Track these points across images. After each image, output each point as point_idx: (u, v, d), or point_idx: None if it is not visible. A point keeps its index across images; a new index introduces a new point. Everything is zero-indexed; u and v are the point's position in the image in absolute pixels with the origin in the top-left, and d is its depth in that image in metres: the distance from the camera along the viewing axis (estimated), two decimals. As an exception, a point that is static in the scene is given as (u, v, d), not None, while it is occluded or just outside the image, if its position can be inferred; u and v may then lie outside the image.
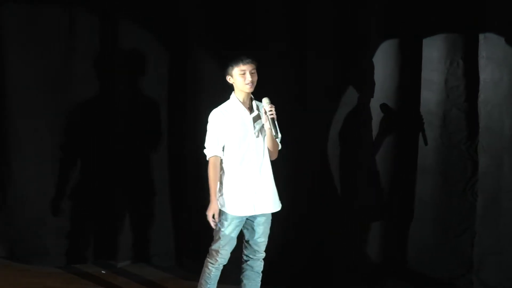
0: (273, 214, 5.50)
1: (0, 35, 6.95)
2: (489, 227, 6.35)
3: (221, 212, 5.33)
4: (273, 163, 5.45)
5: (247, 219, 5.39)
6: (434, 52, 6.37)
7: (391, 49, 6.40)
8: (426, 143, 6.39)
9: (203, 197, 6.20)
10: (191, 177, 6.80)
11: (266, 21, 6.52)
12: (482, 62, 6.28)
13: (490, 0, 6.18)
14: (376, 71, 6.41)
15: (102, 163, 7.05)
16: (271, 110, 5.20)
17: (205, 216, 5.39)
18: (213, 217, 5.30)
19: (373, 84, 6.42)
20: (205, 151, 5.37)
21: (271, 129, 5.21)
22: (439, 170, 6.45)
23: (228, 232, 5.32)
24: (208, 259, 5.41)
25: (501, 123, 6.26)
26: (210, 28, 6.64)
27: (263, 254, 5.47)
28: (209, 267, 5.39)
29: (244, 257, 5.49)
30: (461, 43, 6.32)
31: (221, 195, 5.34)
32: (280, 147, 5.41)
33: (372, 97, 6.43)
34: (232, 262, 5.51)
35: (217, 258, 5.36)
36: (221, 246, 5.34)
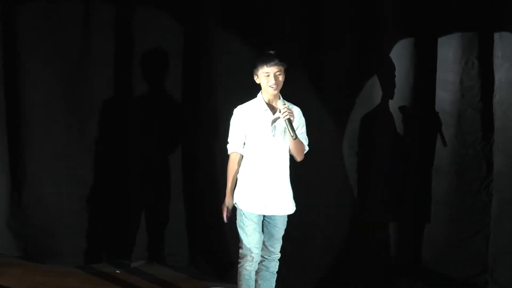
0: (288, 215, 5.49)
1: (15, 31, 6.94)
2: (504, 227, 6.34)
3: (238, 210, 5.36)
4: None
5: (263, 220, 5.39)
6: (449, 52, 6.36)
7: (406, 48, 6.38)
8: (445, 144, 6.37)
9: (217, 198, 6.21)
10: (206, 177, 6.79)
11: (283, 19, 6.52)
12: (497, 61, 6.27)
13: (505, -1, 6.18)
14: (391, 69, 6.39)
15: (118, 162, 7.04)
16: (285, 111, 5.20)
17: (219, 216, 5.39)
18: (226, 214, 5.34)
19: (390, 84, 6.39)
20: (227, 146, 5.42)
21: (289, 131, 5.21)
22: (454, 170, 6.44)
23: (252, 228, 5.32)
24: (242, 262, 5.36)
25: (516, 123, 6.25)
26: (228, 23, 6.63)
27: (278, 255, 5.46)
28: (247, 268, 5.35)
29: (260, 258, 5.47)
30: (476, 42, 6.31)
31: (237, 191, 5.37)
32: (307, 149, 5.41)
33: (390, 98, 6.40)
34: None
35: (252, 255, 5.33)
36: (251, 243, 5.33)
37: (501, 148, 6.32)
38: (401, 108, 6.42)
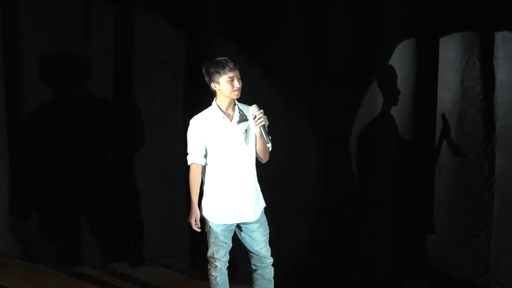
0: (290, 215, 5.46)
1: (15, 28, 6.95)
2: (505, 228, 6.32)
3: (205, 219, 5.32)
4: (293, 162, 5.41)
5: (239, 227, 5.34)
6: (450, 52, 6.34)
7: (408, 49, 6.36)
8: (450, 145, 6.36)
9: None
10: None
11: (284, 23, 6.51)
12: (499, 62, 6.25)
13: (507, -1, 6.17)
14: (393, 70, 6.38)
15: (118, 163, 7.04)
16: (260, 117, 5.09)
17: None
18: (196, 224, 5.30)
19: (392, 85, 6.38)
20: (187, 157, 5.36)
21: (263, 137, 5.12)
22: (455, 170, 6.42)
23: (218, 239, 5.30)
24: (209, 267, 5.40)
25: (518, 124, 6.23)
26: (227, 24, 6.63)
27: (271, 260, 5.40)
28: (213, 274, 5.38)
29: (253, 266, 5.43)
30: (477, 42, 6.29)
31: (203, 202, 5.32)
32: (270, 148, 5.29)
33: (392, 98, 6.40)
34: (244, 262, 5.49)
35: (216, 264, 5.35)
36: (215, 252, 5.33)
37: (503, 149, 6.29)
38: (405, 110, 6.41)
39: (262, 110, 5.12)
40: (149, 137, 6.99)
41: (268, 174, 5.66)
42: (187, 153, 5.34)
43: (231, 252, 6.52)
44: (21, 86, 7.02)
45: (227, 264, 5.39)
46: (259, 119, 5.09)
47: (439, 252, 6.49)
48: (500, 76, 6.25)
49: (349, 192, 6.59)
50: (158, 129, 6.97)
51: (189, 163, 5.33)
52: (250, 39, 6.51)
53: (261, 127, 5.10)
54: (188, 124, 6.85)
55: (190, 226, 5.37)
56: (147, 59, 6.85)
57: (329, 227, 6.58)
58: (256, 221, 5.31)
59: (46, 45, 6.91)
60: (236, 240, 5.84)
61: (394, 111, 6.44)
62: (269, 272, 5.41)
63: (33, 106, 7.01)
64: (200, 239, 6.90)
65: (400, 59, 6.39)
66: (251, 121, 5.19)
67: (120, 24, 6.91)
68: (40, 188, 7.08)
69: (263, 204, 5.38)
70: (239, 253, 5.43)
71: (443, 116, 6.34)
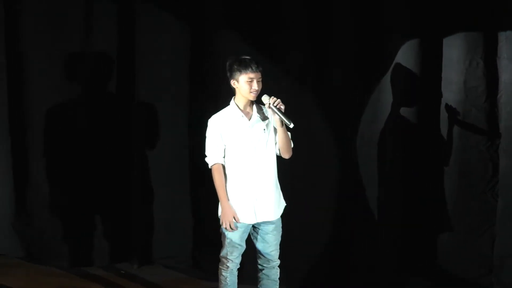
0: (294, 214, 5.45)
1: (18, 30, 6.95)
2: (509, 228, 6.30)
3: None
4: (295, 162, 5.40)
5: (254, 227, 5.33)
6: (453, 52, 6.33)
7: (412, 49, 6.35)
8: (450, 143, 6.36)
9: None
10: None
11: (288, 22, 6.51)
12: (502, 62, 6.24)
13: (510, -1, 6.16)
14: (397, 71, 6.37)
15: (121, 163, 7.04)
16: (275, 101, 5.08)
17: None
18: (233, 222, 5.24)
19: (397, 86, 6.38)
20: (206, 159, 5.31)
21: (284, 120, 5.08)
22: (458, 170, 6.41)
23: (234, 239, 5.27)
24: (220, 267, 5.36)
25: (522, 124, 6.22)
26: (231, 24, 6.63)
27: (278, 262, 5.40)
28: (223, 274, 5.34)
29: (259, 266, 5.42)
30: (481, 42, 6.27)
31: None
32: (292, 144, 5.32)
33: (397, 99, 6.38)
34: (250, 263, 5.48)
35: (228, 265, 5.31)
36: (229, 253, 5.30)
37: (506, 149, 6.28)
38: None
39: (273, 96, 5.11)
40: (152, 138, 6.98)
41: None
42: (205, 155, 5.30)
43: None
44: (24, 86, 7.02)
45: (238, 266, 5.36)
46: (274, 103, 5.08)
47: (443, 253, 6.48)
48: (504, 76, 6.25)
49: (351, 192, 6.58)
50: (161, 130, 6.96)
51: (211, 165, 5.27)
52: (253, 38, 6.50)
53: (277, 111, 5.07)
54: (190, 125, 6.92)
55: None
56: (150, 59, 6.85)
57: (332, 227, 6.58)
58: (273, 223, 5.30)
59: (48, 45, 6.91)
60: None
61: (398, 111, 6.42)
62: (275, 273, 5.40)
63: (36, 107, 7.01)
64: (203, 239, 6.96)
65: (404, 59, 6.37)
66: (268, 112, 5.19)
67: (122, 24, 6.92)
68: (43, 189, 7.07)
69: (284, 204, 5.39)
70: (244, 253, 5.41)
71: (447, 105, 6.32)
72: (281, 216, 5.38)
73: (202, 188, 6.90)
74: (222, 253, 5.34)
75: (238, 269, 5.40)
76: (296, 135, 5.36)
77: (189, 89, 6.92)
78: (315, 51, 6.50)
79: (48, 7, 6.88)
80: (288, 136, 5.25)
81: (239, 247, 5.30)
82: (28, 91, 7.02)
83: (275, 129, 5.26)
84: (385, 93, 6.46)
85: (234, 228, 5.23)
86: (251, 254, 5.44)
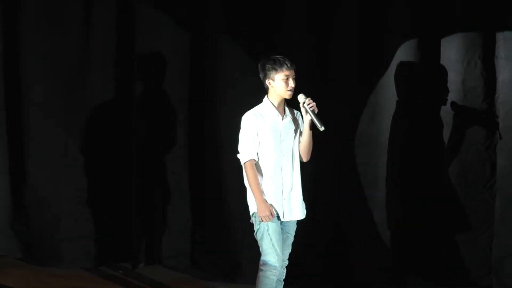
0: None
1: (17, 31, 6.95)
2: (508, 228, 6.32)
3: (257, 219, 5.21)
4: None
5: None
6: (452, 52, 6.35)
7: (410, 49, 6.37)
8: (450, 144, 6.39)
9: (221, 198, 6.23)
10: (210, 178, 6.80)
11: (289, 22, 6.54)
12: (500, 62, 6.26)
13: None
14: (396, 71, 6.39)
15: (119, 164, 7.04)
16: (310, 103, 5.13)
17: (222, 218, 5.36)
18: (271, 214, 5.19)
19: (396, 86, 6.40)
20: (239, 155, 5.28)
21: (315, 122, 5.13)
22: (457, 170, 6.42)
23: (276, 231, 5.19)
24: (265, 269, 5.20)
25: (520, 124, 6.24)
26: (232, 23, 6.65)
27: (286, 262, 5.40)
28: (270, 277, 5.19)
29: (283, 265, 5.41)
30: (479, 43, 6.30)
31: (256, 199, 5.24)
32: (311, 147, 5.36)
33: (396, 99, 6.40)
34: (250, 263, 5.48)
35: (276, 264, 5.18)
36: (275, 248, 5.19)
37: (504, 149, 6.30)
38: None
39: (309, 97, 5.16)
40: (151, 138, 6.98)
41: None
42: (238, 151, 5.28)
43: (233, 252, 6.57)
44: (22, 87, 7.01)
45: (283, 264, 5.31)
46: (308, 104, 5.13)
47: (442, 253, 6.48)
48: (502, 76, 6.27)
49: (350, 192, 6.59)
50: (160, 130, 6.97)
51: (245, 161, 5.23)
52: (254, 39, 6.52)
53: (311, 113, 5.12)
54: (190, 125, 6.92)
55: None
56: (149, 59, 6.85)
57: (331, 227, 6.60)
58: (294, 223, 5.34)
59: (47, 46, 6.90)
60: (240, 240, 5.86)
61: (396, 111, 6.44)
62: (282, 273, 5.39)
63: (34, 107, 7.01)
64: (203, 239, 6.97)
65: (403, 59, 6.39)
66: (302, 112, 5.22)
67: (122, 24, 6.93)
68: (41, 190, 7.06)
69: (305, 210, 5.43)
70: (244, 253, 5.40)
71: (453, 103, 6.35)
72: None
73: (202, 188, 6.92)
74: (267, 252, 5.17)
75: (237, 269, 5.39)
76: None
77: (188, 89, 6.92)
78: (315, 52, 6.52)
79: (47, 8, 6.88)
80: (311, 139, 5.29)
81: (280, 241, 5.21)
82: (26, 92, 7.01)
83: (301, 132, 5.31)
84: (384, 93, 6.48)
85: (271, 218, 5.15)
86: (251, 254, 5.43)
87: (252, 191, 5.21)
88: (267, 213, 5.15)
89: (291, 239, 5.37)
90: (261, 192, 5.19)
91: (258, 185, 5.20)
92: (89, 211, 7.05)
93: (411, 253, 6.53)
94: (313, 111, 5.13)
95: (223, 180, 6.63)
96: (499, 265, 6.34)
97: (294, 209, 5.31)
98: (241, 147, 5.27)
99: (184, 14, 6.81)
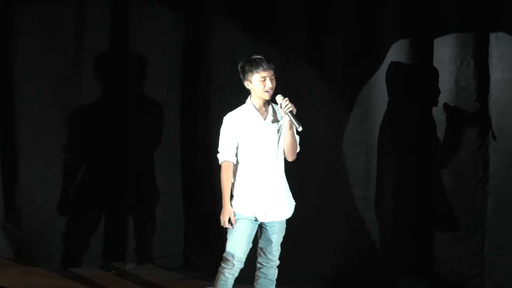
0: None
1: (10, 30, 6.93)
2: (500, 228, 6.32)
3: (234, 215, 5.25)
4: (286, 163, 5.40)
5: (261, 227, 5.32)
6: (445, 52, 6.36)
7: (403, 49, 6.38)
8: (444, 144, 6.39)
9: (212, 197, 6.20)
10: (202, 177, 6.79)
11: (285, 18, 6.55)
12: (493, 61, 6.27)
13: (501, -1, 6.19)
14: (388, 70, 6.39)
15: (111, 164, 7.02)
16: (287, 104, 5.09)
17: (215, 217, 5.36)
18: (229, 221, 5.22)
19: (387, 85, 6.40)
20: (218, 155, 5.31)
21: (293, 123, 5.10)
22: (450, 170, 6.43)
23: (243, 234, 5.23)
24: (224, 266, 5.26)
25: (513, 123, 6.25)
26: (229, 23, 6.65)
27: (277, 262, 5.39)
28: (226, 274, 5.25)
29: (258, 265, 5.40)
30: (472, 42, 6.30)
31: (233, 198, 5.27)
32: (299, 149, 5.34)
33: (388, 98, 6.40)
34: (247, 261, 5.47)
35: (234, 262, 5.23)
36: (237, 249, 5.23)
37: (497, 148, 6.30)
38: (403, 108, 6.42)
39: (287, 98, 5.12)
40: (145, 137, 6.97)
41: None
42: (217, 151, 5.29)
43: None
44: (14, 87, 6.99)
45: (242, 266, 5.30)
46: (285, 106, 5.08)
47: (434, 252, 6.49)
48: (495, 75, 6.27)
49: (342, 192, 6.59)
50: (153, 129, 6.96)
51: (221, 161, 5.27)
52: (250, 40, 6.53)
53: (289, 113, 5.08)
54: (183, 125, 6.92)
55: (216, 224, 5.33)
56: (142, 58, 6.83)
57: (322, 226, 6.60)
58: (280, 223, 5.31)
59: (40, 44, 6.89)
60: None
61: (389, 110, 6.44)
62: (273, 273, 5.39)
63: (26, 106, 6.98)
64: (195, 239, 6.96)
65: (395, 59, 6.39)
66: (279, 113, 5.20)
67: (115, 22, 6.91)
68: (33, 189, 7.04)
69: (294, 203, 5.40)
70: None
71: (445, 104, 6.36)
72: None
73: (195, 188, 6.91)
74: (229, 250, 5.25)
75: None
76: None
77: (181, 88, 6.92)
78: (307, 50, 6.52)
79: (40, 7, 6.85)
80: (295, 139, 5.27)
81: (247, 243, 5.25)
82: (18, 91, 6.98)
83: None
84: (376, 93, 6.48)
85: (229, 226, 5.22)
86: (249, 254, 5.42)
87: (222, 191, 5.24)
88: (226, 218, 5.21)
89: (277, 239, 5.33)
90: (229, 195, 5.22)
91: (229, 187, 5.24)
92: (81, 211, 7.02)
93: (403, 253, 6.54)
94: (290, 112, 5.09)
95: (216, 179, 6.57)
96: (492, 264, 6.35)
97: (278, 209, 5.28)
98: (219, 147, 5.29)
99: (177, 12, 6.80)
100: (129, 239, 7.03)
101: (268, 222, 5.28)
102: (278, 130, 5.26)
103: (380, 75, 6.45)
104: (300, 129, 5.11)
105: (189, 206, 6.99)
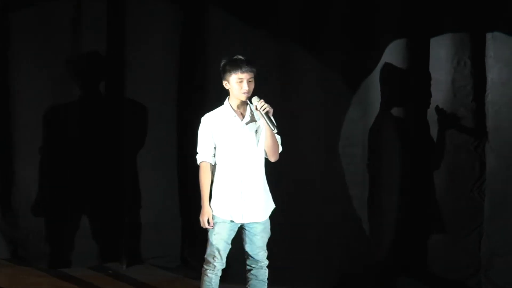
0: (281, 216, 5.44)
1: (7, 30, 6.93)
2: (497, 228, 6.32)
3: (213, 217, 5.26)
4: (280, 161, 5.40)
5: (242, 228, 5.31)
6: (441, 52, 6.36)
7: (399, 48, 6.38)
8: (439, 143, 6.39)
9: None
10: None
11: (283, 19, 6.56)
12: (490, 61, 6.26)
13: (497, -1, 6.20)
14: (385, 71, 6.39)
15: (109, 164, 7.02)
16: (262, 105, 5.06)
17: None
18: (208, 222, 5.24)
19: (384, 85, 6.40)
20: (196, 156, 5.31)
21: (268, 124, 5.09)
22: (446, 170, 6.43)
23: (221, 237, 5.24)
24: (205, 267, 5.30)
25: (509, 123, 6.23)
26: (226, 23, 6.67)
27: (266, 262, 5.38)
28: (208, 275, 5.29)
29: (248, 267, 5.40)
30: (468, 42, 6.31)
31: (211, 199, 5.27)
32: (281, 149, 5.31)
33: (384, 98, 6.40)
34: (239, 262, 5.48)
35: (215, 264, 5.27)
36: (216, 251, 5.25)
37: (494, 148, 6.30)
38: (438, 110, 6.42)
39: (262, 99, 5.10)
40: (141, 137, 6.97)
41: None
42: (197, 152, 5.30)
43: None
44: (11, 88, 7.00)
45: (224, 266, 5.32)
46: (261, 107, 5.07)
47: (431, 252, 6.50)
48: (491, 75, 6.27)
49: (337, 192, 6.59)
50: (150, 129, 6.95)
51: (198, 162, 5.28)
52: (246, 41, 6.53)
53: (264, 115, 5.07)
54: (178, 125, 6.92)
55: (199, 224, 5.32)
56: (140, 56, 6.83)
57: (317, 227, 6.59)
58: (262, 223, 5.29)
59: (36, 45, 6.89)
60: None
61: (385, 110, 6.44)
62: (263, 273, 5.38)
63: (23, 107, 6.99)
64: (192, 238, 6.96)
65: (392, 58, 6.40)
66: (256, 113, 5.18)
67: (112, 22, 6.91)
68: (29, 190, 7.04)
69: (273, 206, 5.37)
70: (231, 253, 5.39)
71: (437, 107, 6.35)
72: (270, 217, 5.36)
73: (190, 188, 6.90)
74: (209, 251, 5.29)
75: (225, 269, 5.37)
76: (283, 133, 5.37)
77: (178, 89, 6.92)
78: (306, 49, 6.53)
79: (37, 7, 6.85)
80: (276, 139, 5.25)
81: (226, 245, 5.27)
82: (15, 92, 6.99)
83: None
84: (372, 93, 6.48)
85: (209, 227, 5.24)
86: (239, 253, 5.41)
87: (201, 192, 5.26)
88: (205, 219, 5.23)
89: (261, 240, 5.30)
90: (207, 196, 5.24)
91: (207, 188, 5.26)
92: (78, 211, 7.02)
93: (400, 253, 6.54)
94: (266, 113, 5.07)
95: (212, 178, 6.61)
96: (488, 264, 6.35)
97: (255, 210, 5.25)
98: (198, 148, 5.30)
99: (175, 12, 6.80)
100: (125, 239, 7.03)
101: (247, 224, 5.27)
102: (256, 130, 5.23)
103: (377, 75, 6.45)
104: (274, 130, 5.11)
105: (186, 206, 6.98)
